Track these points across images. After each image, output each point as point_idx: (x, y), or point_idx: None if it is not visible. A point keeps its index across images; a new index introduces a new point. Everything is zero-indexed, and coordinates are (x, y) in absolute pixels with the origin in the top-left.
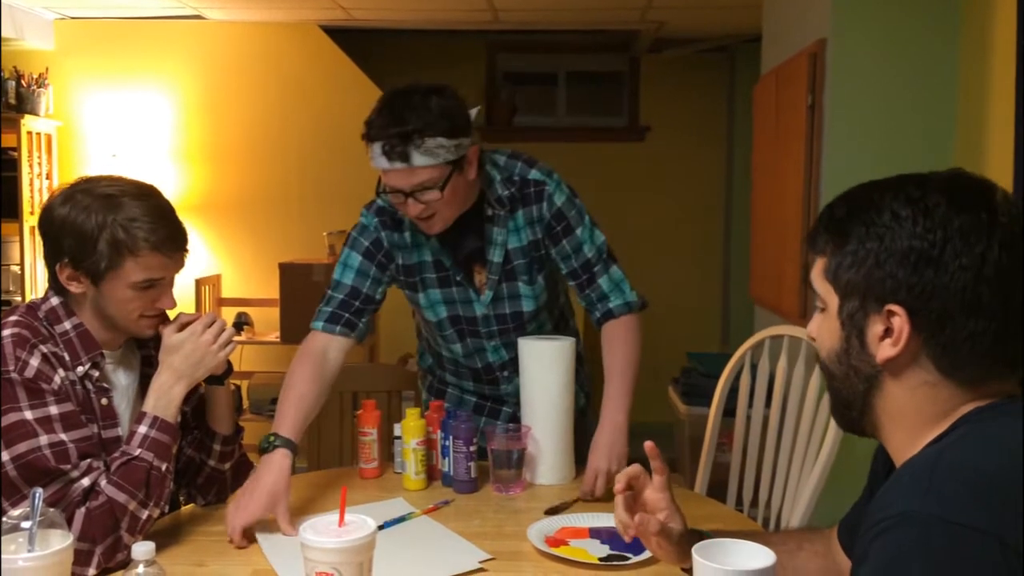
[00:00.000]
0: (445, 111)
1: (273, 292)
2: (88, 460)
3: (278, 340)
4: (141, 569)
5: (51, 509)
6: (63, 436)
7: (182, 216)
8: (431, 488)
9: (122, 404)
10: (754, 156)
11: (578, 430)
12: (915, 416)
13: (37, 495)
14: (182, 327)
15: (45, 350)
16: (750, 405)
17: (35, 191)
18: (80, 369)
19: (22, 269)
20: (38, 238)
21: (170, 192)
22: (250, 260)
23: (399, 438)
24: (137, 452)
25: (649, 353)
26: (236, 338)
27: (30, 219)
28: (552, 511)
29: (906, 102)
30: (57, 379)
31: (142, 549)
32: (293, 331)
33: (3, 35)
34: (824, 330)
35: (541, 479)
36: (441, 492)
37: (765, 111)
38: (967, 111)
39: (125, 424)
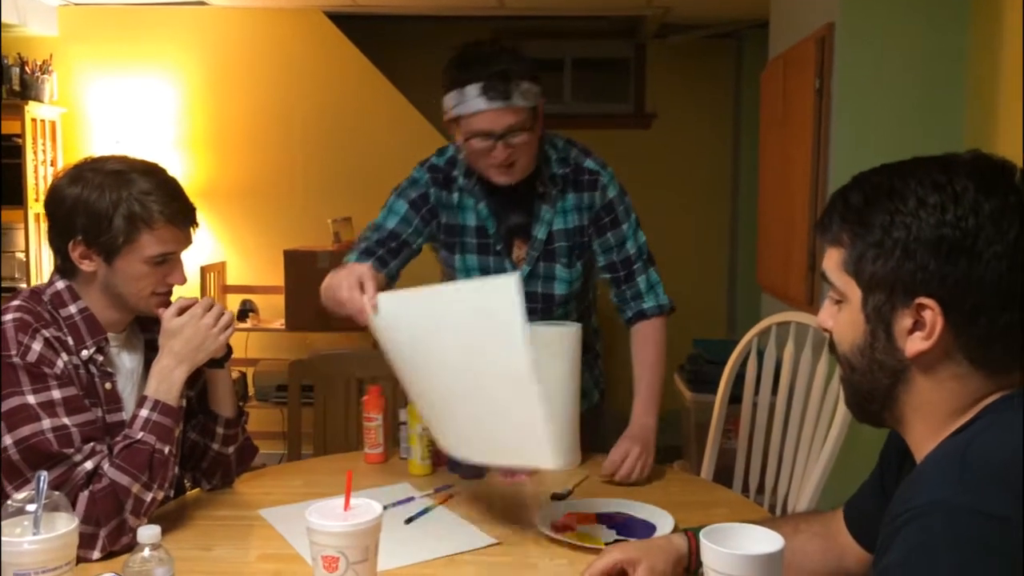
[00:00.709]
0: (528, 59)
1: (278, 279)
2: (91, 444)
3: (283, 327)
4: (147, 552)
5: (56, 492)
6: (66, 420)
7: None
8: (436, 473)
9: (126, 388)
10: (761, 142)
11: (592, 426)
12: (940, 407)
13: (43, 478)
14: (181, 311)
15: (48, 334)
16: (756, 392)
17: (39, 178)
18: (84, 353)
19: (27, 256)
20: (43, 225)
21: None
22: (255, 247)
23: (405, 423)
24: (139, 435)
25: None
26: (241, 325)
27: (35, 206)
28: (558, 496)
29: (915, 86)
30: (60, 363)
31: (148, 532)
32: (298, 318)
33: (6, 22)
34: (843, 323)
35: None
36: (446, 478)
37: (773, 97)
38: (976, 93)
39: (130, 408)
